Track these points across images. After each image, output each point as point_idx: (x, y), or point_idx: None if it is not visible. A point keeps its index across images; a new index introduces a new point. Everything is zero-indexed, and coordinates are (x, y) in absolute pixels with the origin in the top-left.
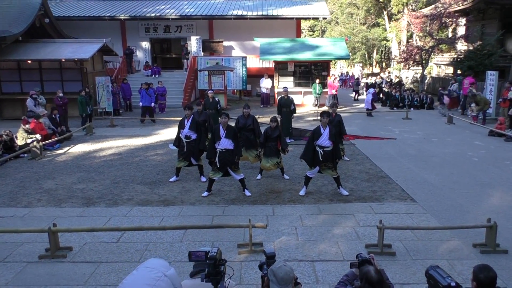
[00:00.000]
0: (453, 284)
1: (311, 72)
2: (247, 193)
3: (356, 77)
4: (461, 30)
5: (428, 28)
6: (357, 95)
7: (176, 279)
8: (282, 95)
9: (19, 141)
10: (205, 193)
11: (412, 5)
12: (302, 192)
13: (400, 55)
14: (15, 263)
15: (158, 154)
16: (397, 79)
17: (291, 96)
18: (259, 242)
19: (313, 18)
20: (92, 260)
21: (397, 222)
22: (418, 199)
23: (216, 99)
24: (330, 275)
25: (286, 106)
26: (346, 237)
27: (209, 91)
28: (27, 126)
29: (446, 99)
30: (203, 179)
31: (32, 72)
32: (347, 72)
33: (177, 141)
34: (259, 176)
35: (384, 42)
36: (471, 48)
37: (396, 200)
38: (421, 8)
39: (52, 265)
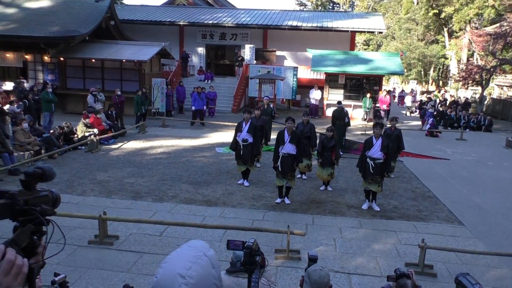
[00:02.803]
0: None
1: (362, 85)
2: (287, 201)
3: (413, 95)
4: None
5: (491, 47)
6: (410, 112)
7: (215, 260)
8: (336, 108)
9: (79, 133)
10: (278, 200)
11: (475, 23)
12: (364, 206)
13: (458, 73)
14: (67, 246)
15: (204, 156)
16: (453, 99)
17: (345, 109)
18: (296, 249)
19: (369, 32)
20: (136, 250)
21: (441, 244)
22: (466, 223)
23: (271, 105)
24: None
25: (340, 118)
26: (386, 253)
27: (265, 97)
28: (87, 120)
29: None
30: (246, 183)
31: (94, 70)
32: (411, 90)
33: (234, 145)
34: (329, 188)
35: (442, 59)
36: None
37: (442, 222)
38: (485, 26)
39: (99, 251)
